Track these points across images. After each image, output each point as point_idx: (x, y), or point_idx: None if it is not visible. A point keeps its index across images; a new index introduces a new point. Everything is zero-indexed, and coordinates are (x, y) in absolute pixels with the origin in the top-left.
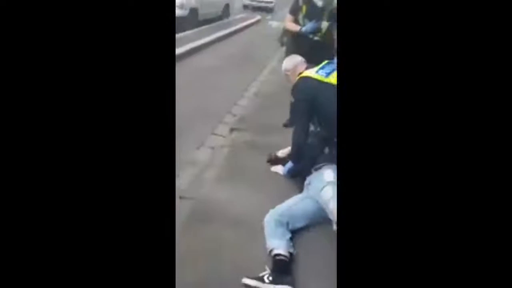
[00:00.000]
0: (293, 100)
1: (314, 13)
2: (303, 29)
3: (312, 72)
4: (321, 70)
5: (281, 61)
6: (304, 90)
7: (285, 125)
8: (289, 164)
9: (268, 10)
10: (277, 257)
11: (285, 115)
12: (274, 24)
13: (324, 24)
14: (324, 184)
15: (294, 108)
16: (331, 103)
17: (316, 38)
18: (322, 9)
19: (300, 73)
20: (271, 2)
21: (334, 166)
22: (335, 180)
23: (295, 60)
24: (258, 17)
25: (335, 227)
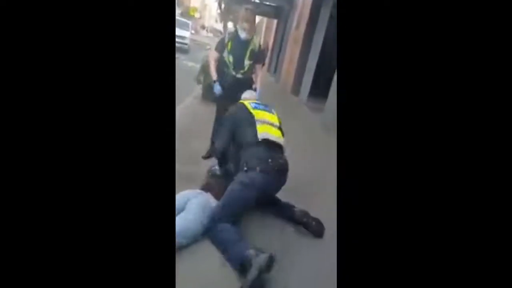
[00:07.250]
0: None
1: (238, 50)
2: (214, 89)
3: (246, 101)
4: (254, 103)
5: (196, 97)
6: (235, 112)
7: (204, 157)
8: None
9: (182, 51)
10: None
11: (203, 146)
12: (190, 63)
13: (247, 62)
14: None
15: (221, 122)
16: (246, 131)
17: (238, 75)
18: (246, 44)
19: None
20: (186, 44)
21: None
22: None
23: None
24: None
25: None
